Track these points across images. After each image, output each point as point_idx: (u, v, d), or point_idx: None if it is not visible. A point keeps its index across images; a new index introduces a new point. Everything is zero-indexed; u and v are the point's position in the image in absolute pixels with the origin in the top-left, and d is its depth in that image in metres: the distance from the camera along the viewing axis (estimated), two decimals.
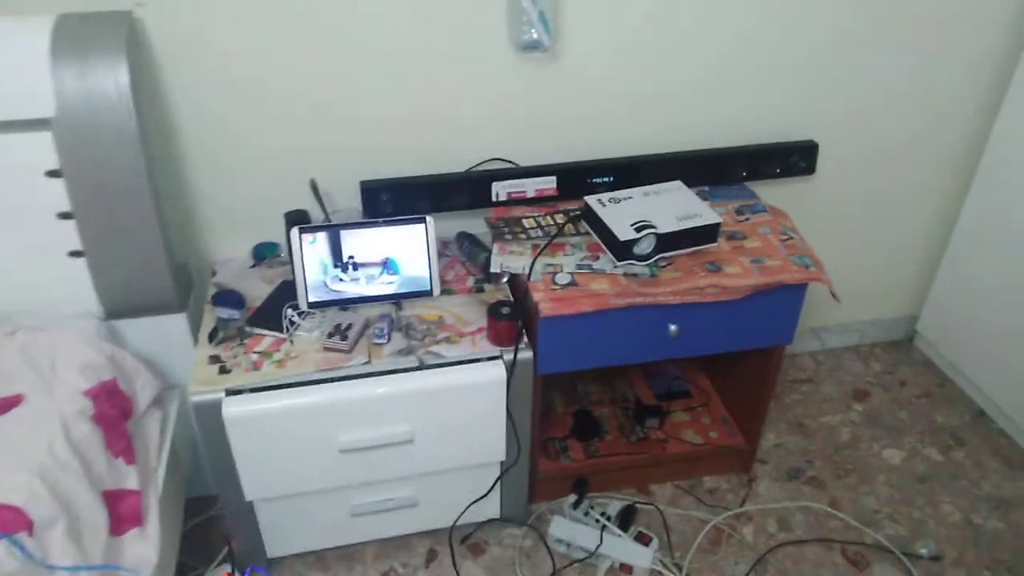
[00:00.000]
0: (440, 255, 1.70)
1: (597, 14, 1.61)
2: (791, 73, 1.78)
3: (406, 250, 1.57)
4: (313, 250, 1.53)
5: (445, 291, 1.63)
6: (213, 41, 1.48)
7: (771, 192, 1.89)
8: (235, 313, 1.52)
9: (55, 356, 1.35)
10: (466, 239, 1.74)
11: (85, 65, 1.31)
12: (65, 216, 1.39)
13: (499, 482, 1.64)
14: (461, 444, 1.53)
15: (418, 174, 1.71)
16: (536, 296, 1.45)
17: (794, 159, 1.85)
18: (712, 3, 1.65)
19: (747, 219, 1.69)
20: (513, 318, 1.46)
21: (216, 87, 1.53)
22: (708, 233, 1.55)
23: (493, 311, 1.47)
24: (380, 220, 1.55)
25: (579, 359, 1.56)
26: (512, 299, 1.59)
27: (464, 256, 1.73)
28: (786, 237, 1.62)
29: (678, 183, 1.66)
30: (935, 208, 2.10)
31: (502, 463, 1.61)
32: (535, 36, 1.54)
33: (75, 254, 1.43)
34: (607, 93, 1.72)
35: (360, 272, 1.56)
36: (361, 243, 1.55)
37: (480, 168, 1.74)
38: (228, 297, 1.53)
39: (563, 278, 1.49)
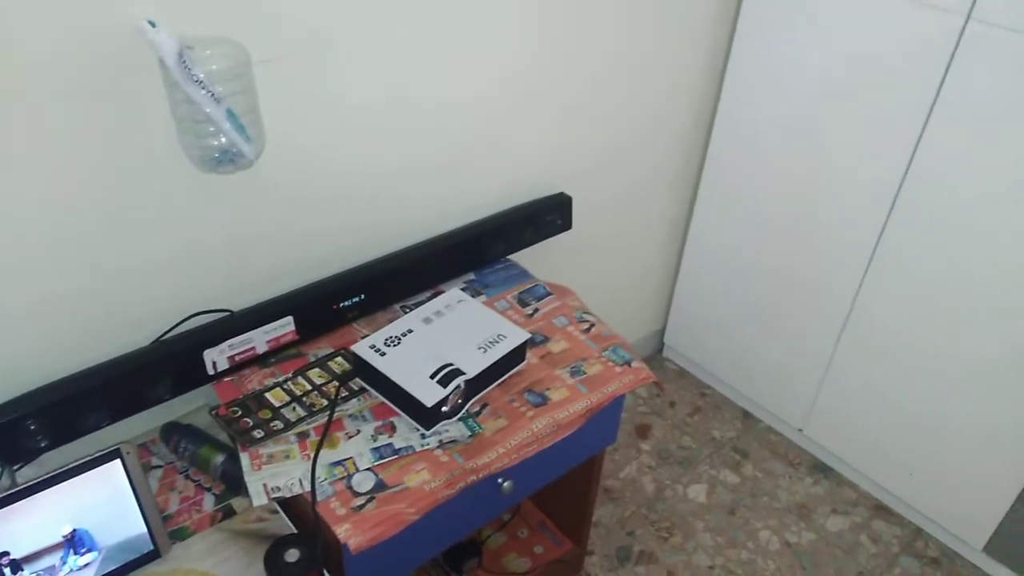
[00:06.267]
0: (146, 468, 1.13)
1: (297, 105, 1.16)
2: (531, 127, 1.52)
3: (100, 506, 1.00)
4: None
5: (175, 535, 1.08)
6: None
7: (530, 260, 1.63)
8: None
9: None
10: (180, 435, 1.19)
11: None
12: None
13: None
14: None
15: (78, 369, 1.11)
16: (339, 530, 0.99)
17: (551, 218, 1.61)
18: (435, 72, 1.30)
19: (536, 310, 1.41)
20: (311, 567, 0.99)
21: None
22: (518, 355, 1.24)
23: (275, 565, 0.98)
24: (38, 481, 0.95)
25: (401, 566, 1.15)
26: (291, 525, 1.10)
27: (186, 462, 1.18)
28: (586, 325, 1.38)
29: (456, 292, 1.31)
30: (667, 230, 2.06)
31: None
32: (224, 143, 1.04)
33: None
34: (330, 195, 1.28)
35: (28, 570, 0.95)
36: (18, 526, 0.94)
37: (177, 332, 1.19)
38: None
39: (364, 481, 1.05)
